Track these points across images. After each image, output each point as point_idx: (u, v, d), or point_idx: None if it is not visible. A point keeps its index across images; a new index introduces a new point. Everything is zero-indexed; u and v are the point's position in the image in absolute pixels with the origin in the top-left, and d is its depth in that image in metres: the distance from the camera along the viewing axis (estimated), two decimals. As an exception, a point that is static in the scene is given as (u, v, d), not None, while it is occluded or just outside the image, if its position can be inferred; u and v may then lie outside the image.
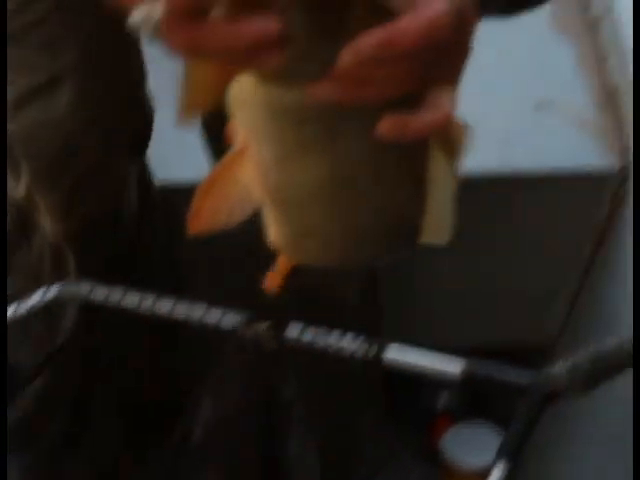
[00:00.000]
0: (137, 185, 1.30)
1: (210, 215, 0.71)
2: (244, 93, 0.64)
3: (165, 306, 1.03)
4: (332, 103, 0.60)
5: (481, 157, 1.46)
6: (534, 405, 0.96)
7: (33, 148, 1.16)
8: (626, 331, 1.50)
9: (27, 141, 1.16)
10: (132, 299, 1.06)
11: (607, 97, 1.58)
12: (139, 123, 1.25)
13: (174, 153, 1.41)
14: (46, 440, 1.38)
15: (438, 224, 0.71)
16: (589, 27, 1.60)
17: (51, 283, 1.13)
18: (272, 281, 0.81)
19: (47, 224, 1.20)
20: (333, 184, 0.68)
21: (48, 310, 1.10)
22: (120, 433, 1.42)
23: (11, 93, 1.12)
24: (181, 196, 1.25)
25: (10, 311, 1.01)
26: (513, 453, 0.90)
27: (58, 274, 1.27)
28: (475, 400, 1.76)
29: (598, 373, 1.01)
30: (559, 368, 1.03)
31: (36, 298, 1.05)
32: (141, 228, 1.30)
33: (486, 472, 1.21)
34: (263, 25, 0.55)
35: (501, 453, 0.89)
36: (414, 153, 0.68)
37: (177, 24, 0.56)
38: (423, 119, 0.60)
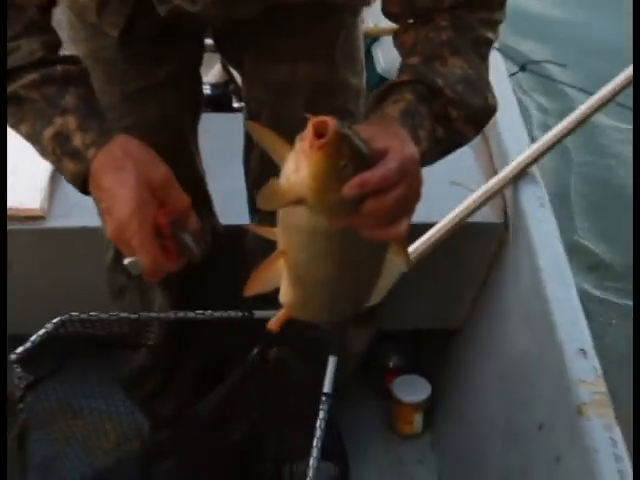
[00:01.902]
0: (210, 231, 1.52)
1: (258, 287, 1.04)
2: (293, 218, 0.96)
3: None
4: (343, 229, 0.93)
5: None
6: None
7: None
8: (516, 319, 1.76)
9: None
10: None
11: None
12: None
13: (237, 202, 1.66)
14: None
15: (380, 293, 1.07)
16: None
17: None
18: (274, 324, 1.15)
19: None
20: (339, 273, 1.01)
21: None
22: None
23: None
24: (243, 237, 1.57)
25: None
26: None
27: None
28: (412, 361, 2.27)
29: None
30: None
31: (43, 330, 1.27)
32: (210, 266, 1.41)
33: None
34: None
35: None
36: (379, 253, 1.02)
37: (153, 274, 0.94)
38: (389, 230, 0.94)
